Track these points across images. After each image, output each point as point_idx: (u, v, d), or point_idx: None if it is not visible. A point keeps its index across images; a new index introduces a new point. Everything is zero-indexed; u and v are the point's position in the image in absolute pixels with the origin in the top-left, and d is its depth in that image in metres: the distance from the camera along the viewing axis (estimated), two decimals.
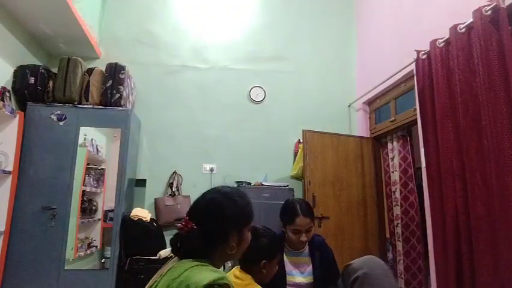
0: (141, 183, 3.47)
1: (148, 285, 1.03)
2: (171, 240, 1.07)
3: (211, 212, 1.06)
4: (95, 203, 3.16)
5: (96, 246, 3.08)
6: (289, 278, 1.76)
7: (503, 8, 1.84)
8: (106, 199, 3.12)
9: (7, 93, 2.77)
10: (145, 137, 3.58)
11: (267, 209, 2.81)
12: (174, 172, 3.50)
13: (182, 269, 0.95)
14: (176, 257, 1.07)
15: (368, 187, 3.41)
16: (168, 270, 0.98)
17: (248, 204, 1.14)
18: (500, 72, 1.80)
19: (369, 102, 3.72)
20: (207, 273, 0.92)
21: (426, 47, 2.39)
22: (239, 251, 1.10)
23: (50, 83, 3.02)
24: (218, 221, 1.05)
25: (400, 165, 3.22)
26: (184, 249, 1.02)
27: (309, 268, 1.79)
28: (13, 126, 2.74)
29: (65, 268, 2.76)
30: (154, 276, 1.05)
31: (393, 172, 3.31)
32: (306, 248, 1.84)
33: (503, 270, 1.70)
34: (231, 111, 3.75)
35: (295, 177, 3.60)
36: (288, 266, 1.78)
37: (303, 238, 1.74)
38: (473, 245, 1.89)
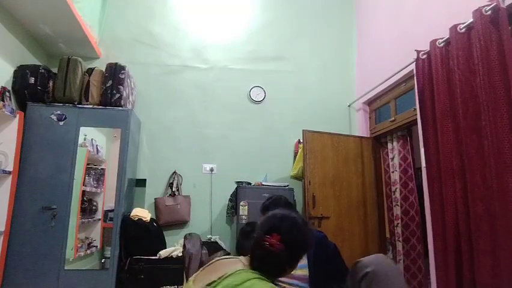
0: (141, 183, 3.47)
1: (200, 280, 1.10)
2: (254, 249, 1.14)
3: (299, 242, 1.15)
4: (95, 203, 3.16)
5: (96, 246, 3.08)
6: None
7: (503, 8, 1.84)
8: (106, 199, 3.12)
9: (7, 93, 2.78)
10: (145, 137, 3.58)
11: None
12: (174, 172, 3.50)
13: (245, 277, 1.02)
14: (229, 259, 1.16)
15: (368, 187, 3.41)
16: (231, 274, 1.05)
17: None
18: (500, 72, 1.80)
19: (369, 102, 3.72)
20: None
21: (426, 47, 2.39)
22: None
23: (50, 83, 3.02)
24: (300, 251, 1.16)
25: (400, 165, 3.22)
26: (265, 262, 1.10)
27: (304, 261, 1.80)
28: (13, 126, 2.74)
29: (65, 268, 2.76)
30: (203, 271, 1.14)
31: (393, 172, 3.31)
32: None
33: (503, 270, 1.70)
34: (231, 111, 3.75)
35: (295, 177, 3.60)
36: None
37: None
38: (473, 245, 1.89)
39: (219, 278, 1.04)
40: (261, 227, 1.18)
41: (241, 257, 1.17)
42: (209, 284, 1.04)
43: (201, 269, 1.17)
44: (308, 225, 1.24)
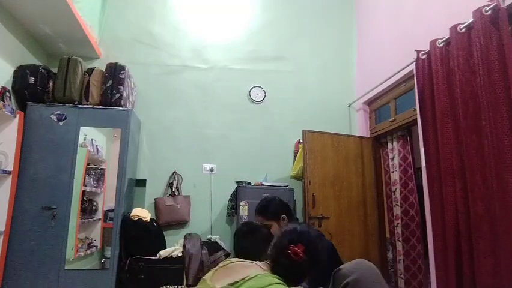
0: (141, 183, 3.47)
1: (219, 278, 1.14)
2: (278, 257, 1.20)
3: (320, 257, 1.24)
4: (95, 203, 3.16)
5: (96, 246, 3.08)
6: None
7: (503, 8, 1.84)
8: (106, 199, 3.11)
9: (7, 93, 2.77)
10: (145, 137, 3.58)
11: None
12: (174, 172, 3.50)
13: (268, 281, 1.07)
14: (248, 262, 1.20)
15: (368, 187, 3.41)
16: (253, 277, 1.09)
17: None
18: (500, 72, 1.80)
19: (369, 102, 3.72)
20: None
21: (426, 47, 2.39)
22: None
23: (50, 83, 3.02)
24: (320, 265, 1.23)
25: (400, 165, 3.22)
26: (287, 270, 1.16)
27: None
28: (13, 126, 2.74)
29: (65, 268, 2.75)
30: (217, 271, 1.18)
31: (393, 172, 3.31)
32: None
33: (504, 270, 1.70)
34: (231, 111, 3.75)
35: (295, 177, 3.60)
36: None
37: None
38: (473, 245, 1.89)
39: (242, 280, 1.08)
40: (282, 237, 1.25)
41: (258, 262, 1.21)
42: (231, 284, 1.09)
43: (215, 269, 1.21)
44: (322, 241, 1.33)
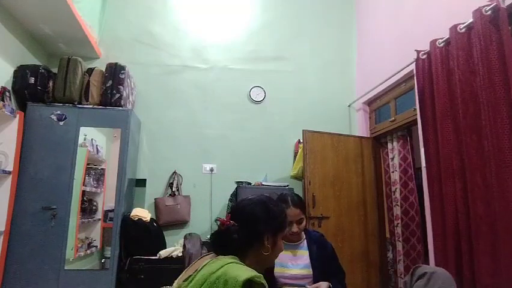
0: (141, 183, 3.47)
1: (181, 279, 1.10)
2: (211, 236, 1.22)
3: (246, 213, 1.21)
4: (95, 203, 3.16)
5: (96, 246, 3.08)
6: (284, 270, 1.77)
7: (503, 8, 1.84)
8: (106, 199, 3.12)
9: (7, 93, 2.78)
10: (145, 137, 3.58)
11: None
12: (174, 172, 3.50)
13: (219, 264, 1.03)
14: (209, 255, 1.18)
15: (368, 187, 3.41)
16: (204, 265, 1.06)
17: (282, 213, 1.27)
18: (500, 72, 1.80)
19: (369, 102, 3.72)
20: (245, 271, 1.00)
21: (426, 47, 2.39)
22: (273, 254, 1.21)
23: (50, 83, 3.02)
24: (251, 220, 1.18)
25: (400, 165, 3.22)
26: (222, 244, 1.14)
27: (306, 261, 1.80)
28: (13, 126, 2.74)
29: (65, 268, 2.76)
30: (186, 271, 1.14)
31: (393, 172, 3.31)
32: (304, 242, 1.85)
33: (503, 270, 1.70)
34: (231, 111, 3.75)
35: (295, 177, 3.60)
36: (284, 258, 1.79)
37: (295, 229, 1.77)
38: (473, 245, 1.89)
39: (195, 271, 1.06)
40: None
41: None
42: (186, 279, 1.06)
43: (185, 270, 1.18)
44: (278, 207, 1.27)
